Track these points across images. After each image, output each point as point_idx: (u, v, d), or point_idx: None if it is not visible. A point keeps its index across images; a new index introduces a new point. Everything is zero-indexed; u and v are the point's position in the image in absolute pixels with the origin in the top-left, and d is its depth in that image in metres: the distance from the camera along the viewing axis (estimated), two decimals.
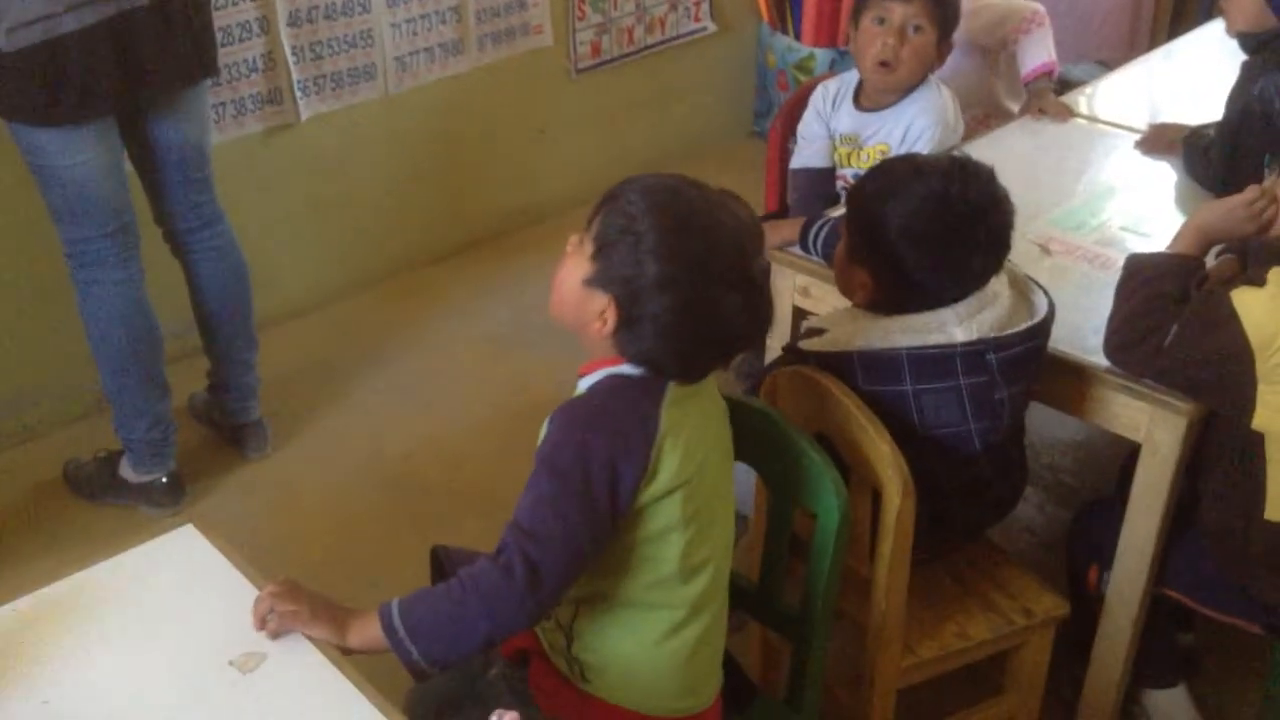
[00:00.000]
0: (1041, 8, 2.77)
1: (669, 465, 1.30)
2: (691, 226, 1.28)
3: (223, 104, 2.83)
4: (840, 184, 2.47)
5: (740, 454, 1.47)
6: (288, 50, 2.90)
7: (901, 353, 1.59)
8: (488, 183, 3.55)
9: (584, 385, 1.37)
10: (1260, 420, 1.60)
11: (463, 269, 3.46)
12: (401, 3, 3.09)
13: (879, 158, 2.36)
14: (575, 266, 1.32)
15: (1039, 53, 2.71)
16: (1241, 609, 1.77)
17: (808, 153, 2.49)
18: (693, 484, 1.33)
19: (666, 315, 1.27)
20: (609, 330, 1.30)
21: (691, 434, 1.33)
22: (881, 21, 2.29)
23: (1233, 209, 1.74)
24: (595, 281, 1.29)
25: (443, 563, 1.56)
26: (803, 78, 3.93)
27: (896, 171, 1.70)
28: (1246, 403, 1.60)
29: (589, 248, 1.30)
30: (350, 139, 3.14)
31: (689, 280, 1.26)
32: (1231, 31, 2.16)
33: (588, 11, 3.57)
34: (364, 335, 3.16)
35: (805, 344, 1.68)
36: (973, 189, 1.62)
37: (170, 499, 2.52)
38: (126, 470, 2.52)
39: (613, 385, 1.33)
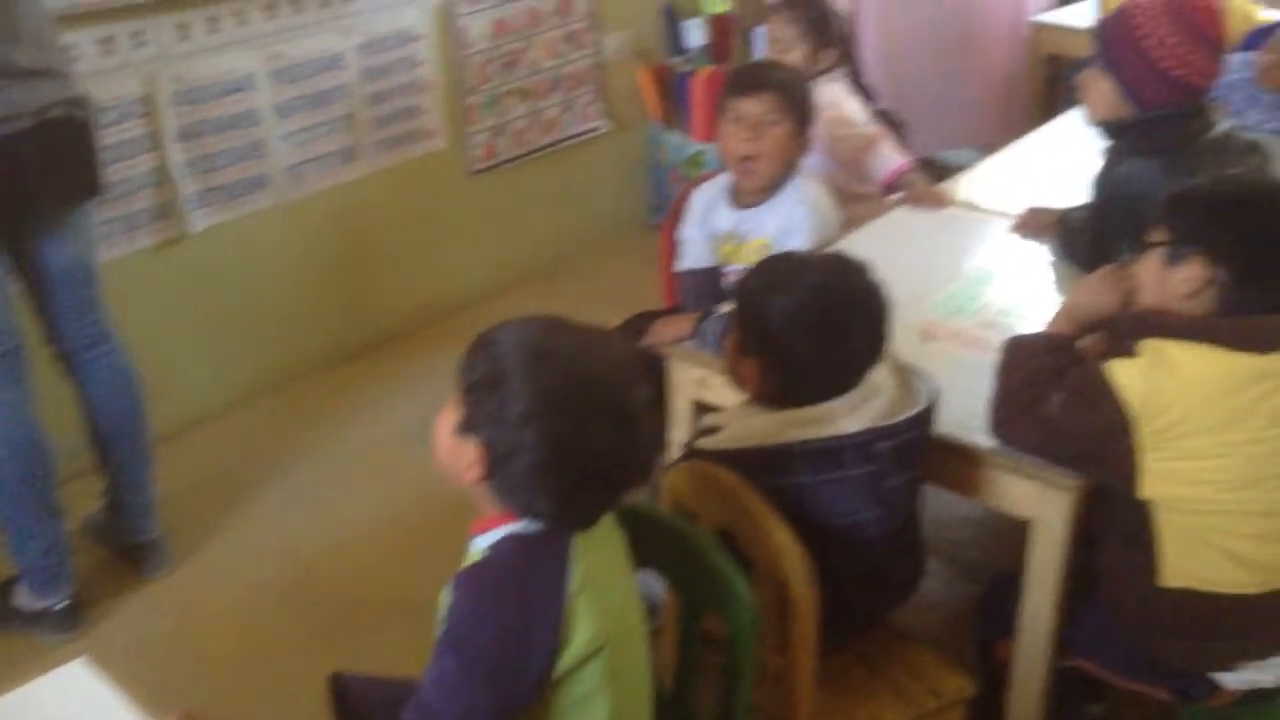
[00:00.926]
0: (879, 132, 2.87)
1: (585, 627, 1.25)
2: (557, 364, 1.25)
3: (114, 220, 2.81)
4: (727, 281, 2.51)
5: (648, 562, 1.48)
6: (178, 164, 2.90)
7: (795, 447, 1.63)
8: (388, 284, 3.56)
9: (480, 545, 1.31)
10: (1147, 489, 1.66)
11: (366, 371, 3.45)
12: (291, 114, 3.11)
13: (761, 252, 2.42)
14: (447, 415, 1.29)
15: (892, 159, 2.81)
16: (1148, 676, 1.82)
17: (690, 255, 2.56)
18: (613, 640, 1.28)
19: (535, 455, 1.22)
20: (479, 477, 1.27)
21: (605, 584, 1.29)
22: (738, 120, 2.38)
23: (1094, 287, 1.83)
24: (464, 428, 1.27)
25: (344, 692, 1.53)
26: (694, 172, 4.03)
27: (779, 267, 1.79)
28: (1131, 473, 1.66)
29: (457, 394, 1.28)
30: (245, 248, 3.13)
31: (555, 418, 1.22)
32: (1091, 121, 2.28)
33: (480, 115, 3.63)
34: (266, 443, 3.12)
35: (702, 443, 1.72)
36: (851, 281, 1.71)
37: (68, 625, 2.44)
38: (22, 597, 2.43)
39: (513, 546, 1.28)
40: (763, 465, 1.64)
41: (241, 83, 2.98)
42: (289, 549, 2.74)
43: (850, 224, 2.62)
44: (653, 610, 1.54)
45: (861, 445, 1.64)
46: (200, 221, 2.99)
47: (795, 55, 2.83)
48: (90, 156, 2.26)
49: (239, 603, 2.58)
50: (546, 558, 1.27)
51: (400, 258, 3.56)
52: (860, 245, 2.42)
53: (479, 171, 3.69)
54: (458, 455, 1.28)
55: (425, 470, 2.76)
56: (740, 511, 1.61)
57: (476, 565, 1.30)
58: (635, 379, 1.29)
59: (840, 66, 2.91)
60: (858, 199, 2.82)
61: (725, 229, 2.50)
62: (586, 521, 1.30)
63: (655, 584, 1.67)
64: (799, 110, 2.40)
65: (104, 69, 2.70)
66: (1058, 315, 1.86)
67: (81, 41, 2.64)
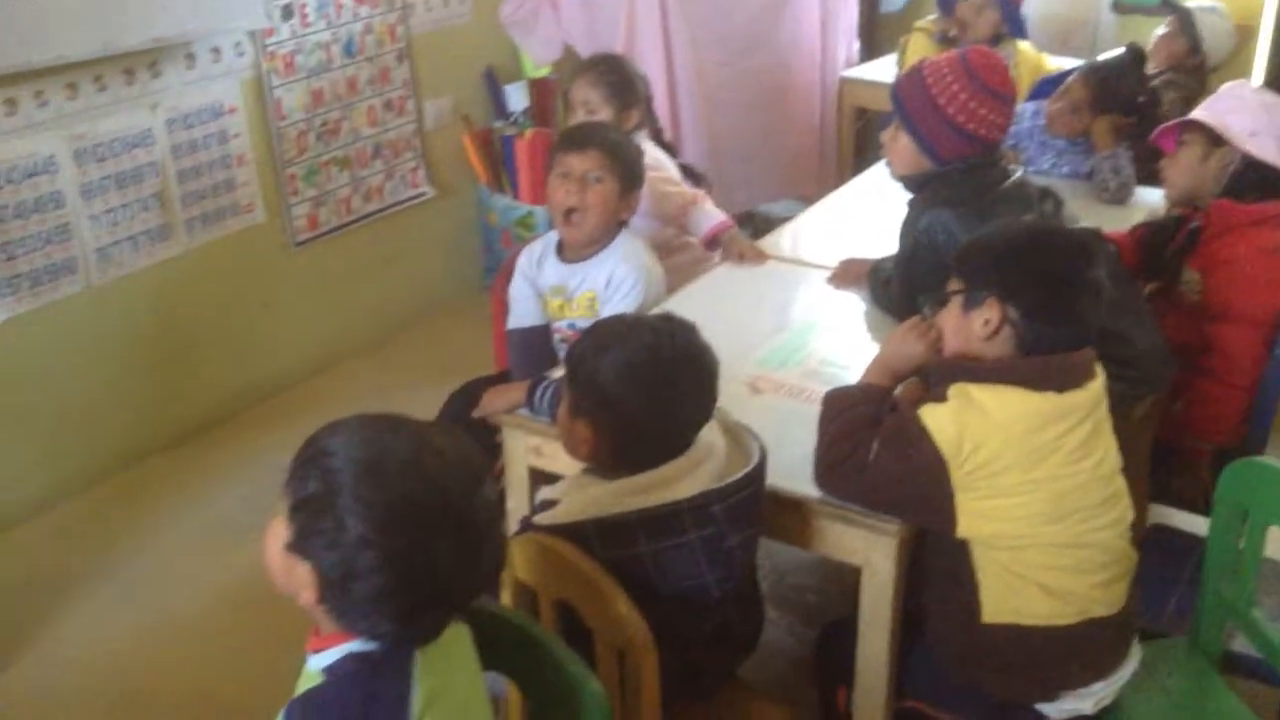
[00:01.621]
0: (699, 193, 2.95)
1: None
2: (393, 479, 1.18)
3: None
4: (557, 336, 2.56)
5: (492, 663, 1.45)
6: None
7: (632, 516, 1.64)
8: (211, 364, 3.44)
9: (316, 666, 1.25)
10: (963, 529, 1.73)
11: (191, 456, 3.32)
12: (99, 194, 3.00)
13: (588, 305, 2.49)
14: (275, 530, 1.22)
15: (713, 216, 2.89)
16: (980, 712, 1.88)
17: (519, 312, 2.58)
18: None
19: (375, 580, 1.16)
20: (314, 600, 1.21)
21: (452, 698, 1.25)
22: (565, 175, 2.44)
23: (902, 338, 1.91)
24: (294, 547, 1.20)
25: None
26: (524, 234, 4.05)
27: (609, 329, 1.81)
28: (948, 514, 1.73)
29: (284, 508, 1.22)
30: (54, 338, 2.99)
31: (394, 539, 1.16)
32: (894, 175, 2.39)
33: (300, 186, 3.57)
34: (86, 541, 2.96)
35: (540, 518, 1.71)
36: (680, 340, 1.74)
37: None
38: None
39: (352, 668, 1.21)
40: (601, 536, 1.64)
41: (43, 165, 2.86)
42: (117, 651, 2.60)
43: (675, 273, 2.68)
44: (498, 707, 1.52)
45: (699, 509, 1.66)
46: (2, 312, 2.84)
47: (600, 118, 2.88)
48: None
49: (61, 713, 2.43)
50: (388, 678, 1.21)
51: (223, 337, 3.46)
52: (686, 303, 2.50)
53: (302, 243, 3.62)
54: (289, 575, 1.21)
55: (258, 557, 2.67)
56: (580, 583, 1.61)
57: (313, 692, 1.23)
58: (478, 481, 1.24)
59: (643, 127, 2.97)
60: (682, 248, 2.89)
61: (553, 284, 2.53)
62: (430, 636, 1.25)
63: (501, 684, 1.65)
64: (625, 169, 2.46)
65: None
66: (871, 366, 1.93)
67: None
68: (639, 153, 2.54)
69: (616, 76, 2.93)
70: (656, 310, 2.38)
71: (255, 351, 3.55)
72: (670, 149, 3.08)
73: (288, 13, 3.39)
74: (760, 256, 2.78)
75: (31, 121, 2.82)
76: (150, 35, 2.95)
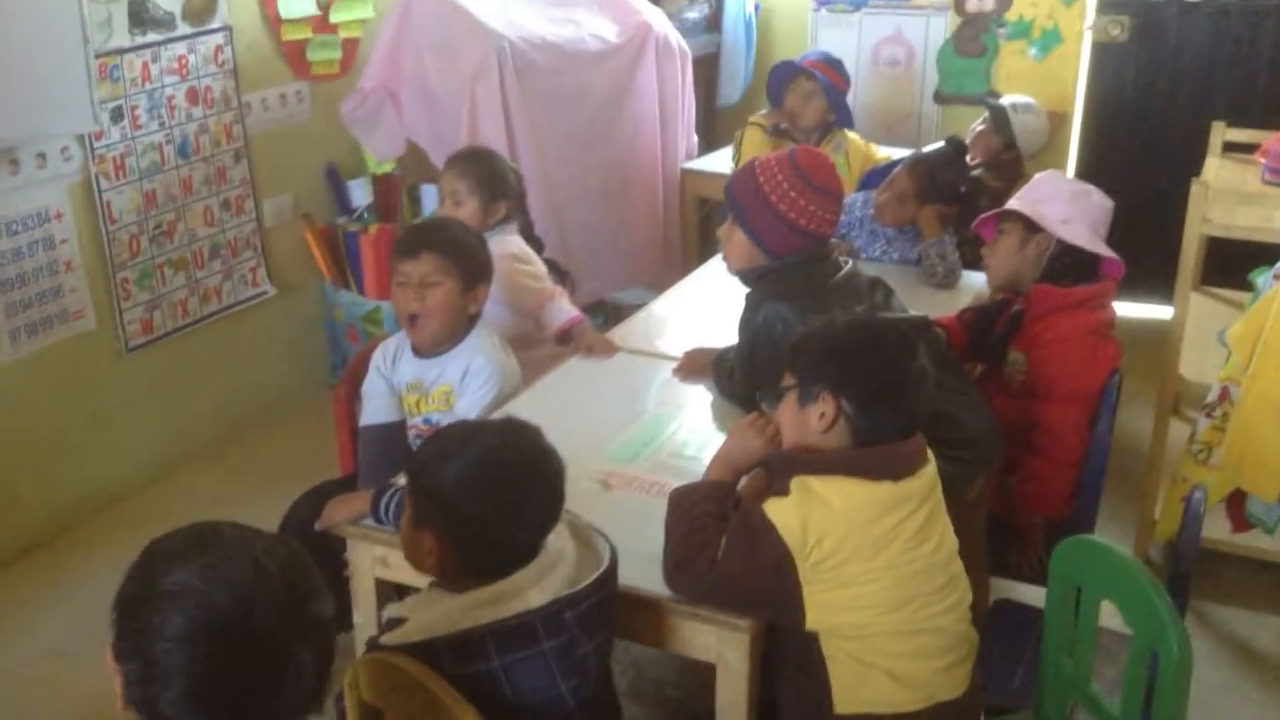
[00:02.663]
0: (556, 289, 2.98)
1: None
2: (194, 595, 1.17)
3: None
4: (413, 433, 2.53)
5: None
6: None
7: (483, 630, 1.61)
8: (38, 480, 3.27)
9: None
10: (812, 621, 1.76)
11: (18, 578, 3.13)
12: None
13: (444, 399, 2.48)
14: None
15: (566, 312, 2.92)
16: None
17: (373, 408, 2.54)
18: None
19: (172, 693, 1.15)
20: (122, 707, 1.19)
21: None
22: (403, 281, 2.44)
23: (742, 434, 1.95)
24: (113, 650, 1.20)
25: None
26: (371, 329, 4.00)
27: (451, 435, 1.80)
28: (797, 607, 1.75)
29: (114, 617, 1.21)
30: None
31: (191, 655, 1.15)
32: (731, 270, 2.46)
33: (133, 290, 3.46)
34: None
35: (387, 638, 1.66)
36: (523, 444, 1.74)
37: None
38: None
39: None
40: (450, 652, 1.61)
41: None
42: None
43: (531, 366, 2.68)
44: None
45: (550, 617, 1.64)
46: None
47: (468, 209, 2.90)
48: None
49: None
50: None
51: (52, 450, 3.30)
52: (538, 398, 2.51)
53: (135, 349, 3.50)
54: (112, 679, 1.21)
55: (95, 684, 2.53)
56: (428, 703, 1.57)
57: None
58: (297, 600, 1.22)
59: (512, 219, 2.99)
60: (540, 343, 2.90)
61: (409, 379, 2.52)
62: None
63: None
64: (464, 268, 2.46)
65: None
66: (714, 462, 1.96)
67: None
68: (479, 247, 2.54)
69: (485, 168, 2.96)
70: (510, 404, 2.42)
71: (86, 464, 3.40)
72: (539, 244, 3.10)
73: (118, 115, 3.31)
74: (610, 349, 2.80)
75: None
76: None
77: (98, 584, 2.99)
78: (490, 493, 1.68)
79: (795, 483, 1.78)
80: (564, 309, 2.92)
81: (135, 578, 1.22)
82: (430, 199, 4.10)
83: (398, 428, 2.53)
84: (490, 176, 2.95)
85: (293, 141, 3.95)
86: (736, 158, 4.06)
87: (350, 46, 4.06)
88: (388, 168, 4.15)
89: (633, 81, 4.25)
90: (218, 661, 1.16)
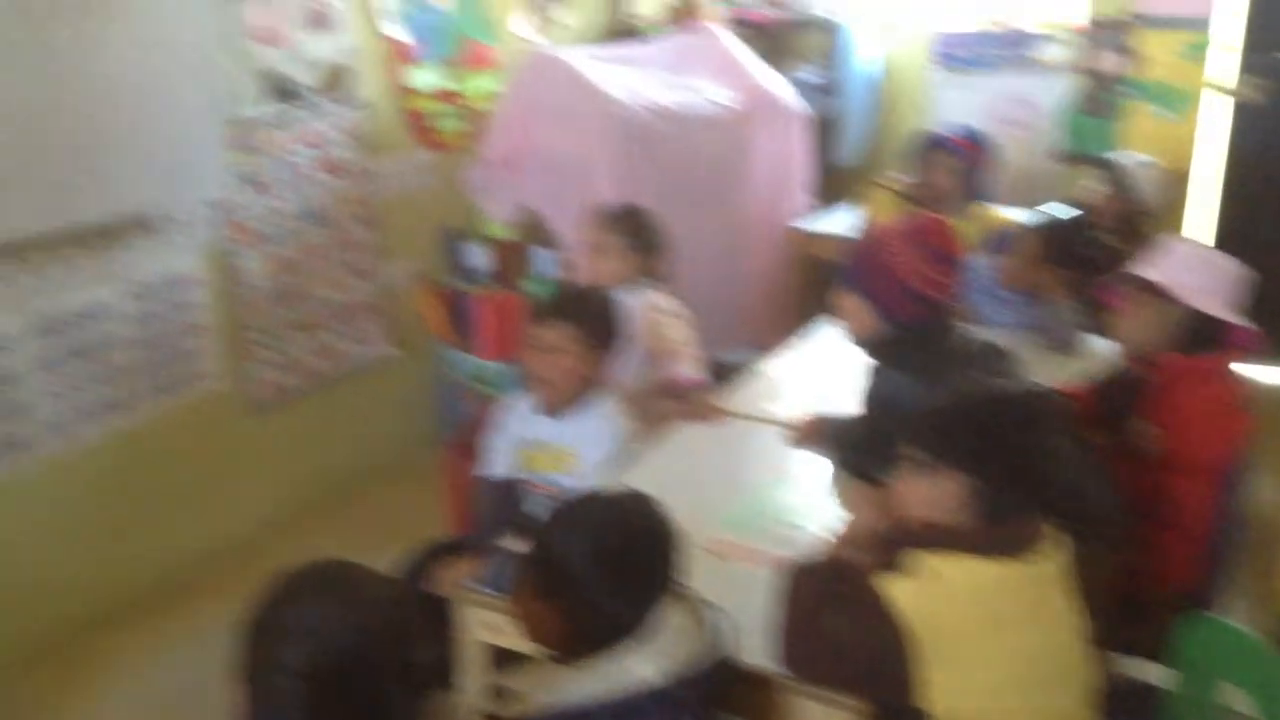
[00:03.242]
0: (688, 349, 3.00)
1: None
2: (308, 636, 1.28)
3: None
4: (530, 491, 2.57)
5: None
6: None
7: (595, 706, 1.60)
8: (164, 532, 3.38)
9: None
10: (928, 703, 1.69)
11: (140, 629, 3.22)
12: (57, 368, 2.98)
13: (562, 460, 2.54)
14: None
15: (689, 373, 2.94)
16: None
17: (492, 462, 2.63)
18: None
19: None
20: None
21: None
22: (534, 345, 2.55)
23: (860, 507, 1.91)
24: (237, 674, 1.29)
25: None
26: (484, 389, 4.05)
27: (575, 508, 1.79)
28: (911, 687, 1.69)
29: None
30: (4, 513, 2.93)
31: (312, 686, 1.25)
32: (851, 339, 2.42)
33: (261, 351, 3.57)
34: (28, 716, 2.84)
35: (504, 710, 1.66)
36: (647, 516, 1.74)
37: None
38: None
39: None
40: None
41: (1, 340, 2.85)
42: None
43: (649, 420, 2.70)
44: None
45: (664, 693, 1.62)
46: None
47: (614, 263, 2.97)
48: None
49: None
50: None
51: (179, 505, 3.40)
52: (648, 464, 2.50)
53: (261, 408, 3.60)
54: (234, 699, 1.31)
55: None
56: None
57: None
58: (399, 646, 1.30)
59: (658, 275, 3.06)
60: (663, 399, 2.91)
61: (531, 436, 2.59)
62: None
63: None
64: (593, 338, 2.55)
65: None
66: (833, 538, 1.91)
67: None
68: (611, 316, 2.62)
69: (635, 224, 3.04)
70: (623, 469, 2.43)
71: (211, 519, 3.50)
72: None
73: (250, 182, 3.43)
74: (720, 415, 2.79)
75: None
76: (110, 209, 2.98)
77: (213, 636, 3.07)
78: (612, 570, 1.68)
79: (913, 559, 1.73)
80: (689, 369, 2.94)
81: (263, 608, 1.31)
82: (546, 263, 4.16)
83: (515, 483, 2.59)
84: (639, 232, 3.03)
85: (416, 207, 4.06)
86: (861, 221, 4.02)
87: (476, 117, 4.16)
88: (505, 232, 4.22)
89: (748, 144, 4.27)
90: (327, 697, 1.24)
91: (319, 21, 3.53)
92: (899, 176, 4.00)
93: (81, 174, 2.87)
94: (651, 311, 2.92)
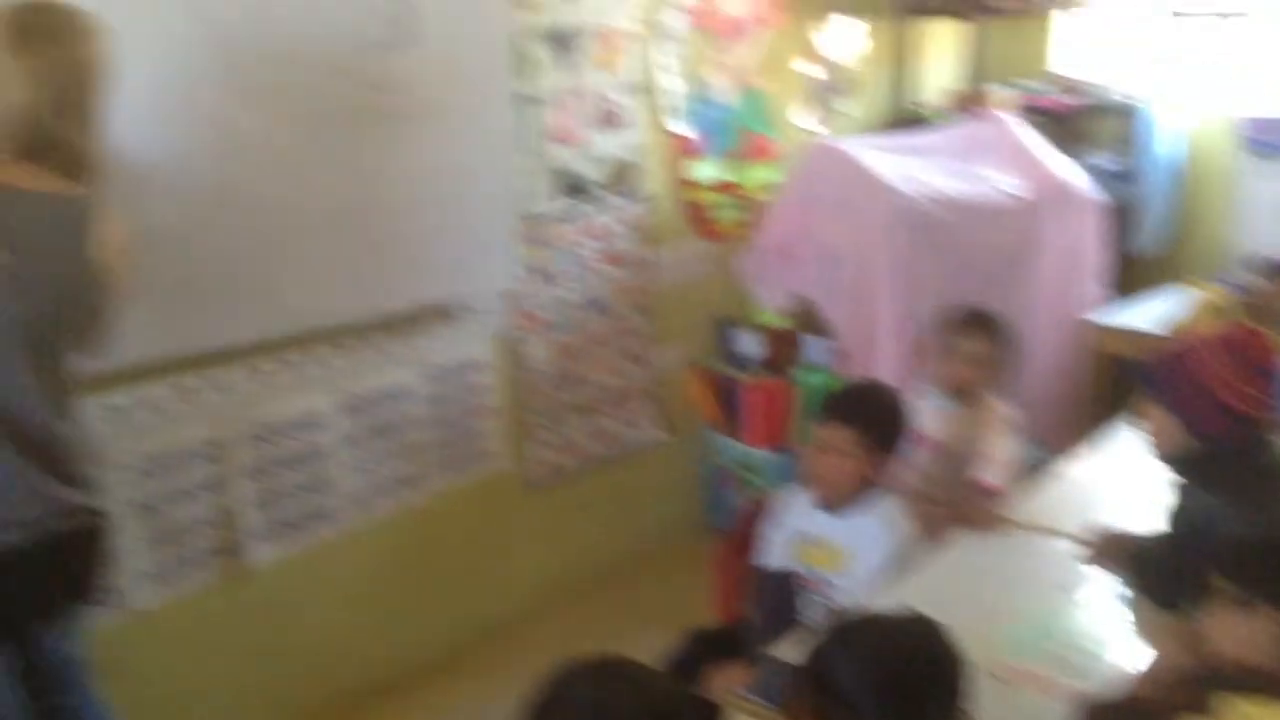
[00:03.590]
0: (1003, 455, 2.93)
1: None
2: None
3: (180, 560, 2.85)
4: (803, 586, 2.55)
5: None
6: (243, 502, 2.96)
7: None
8: (444, 604, 3.53)
9: None
10: None
11: (418, 698, 3.36)
12: (358, 445, 3.19)
13: (836, 559, 2.50)
14: None
15: (993, 475, 2.86)
16: None
17: (769, 552, 2.62)
18: None
19: None
20: None
21: None
22: (816, 443, 2.55)
23: (1165, 640, 1.77)
24: None
25: None
26: (751, 478, 4.04)
27: (858, 632, 1.71)
28: None
29: None
30: (307, 579, 3.15)
31: None
32: (1156, 456, 2.25)
33: (541, 433, 3.71)
34: None
35: None
36: (930, 642, 1.66)
37: None
38: None
39: None
40: None
41: (311, 419, 3.08)
42: None
43: (931, 527, 2.62)
44: None
45: None
46: (263, 557, 3.02)
47: (987, 372, 2.99)
48: (86, 571, 2.22)
49: None
50: None
51: (457, 580, 3.56)
52: (927, 576, 2.41)
53: (538, 487, 3.73)
54: None
55: None
56: None
57: None
58: None
59: (1004, 382, 3.07)
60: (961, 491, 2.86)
61: (806, 531, 2.58)
62: None
63: None
64: (874, 442, 2.52)
65: (180, 415, 2.80)
66: (1133, 673, 1.77)
67: (158, 392, 2.75)
68: (898, 419, 2.59)
69: (1006, 335, 3.06)
70: (899, 580, 2.36)
71: (487, 593, 3.64)
72: None
73: (539, 273, 3.59)
74: (1004, 526, 2.66)
75: (305, 379, 3.05)
76: (414, 299, 3.19)
77: (495, 707, 3.16)
78: (894, 698, 1.61)
79: (1225, 703, 1.57)
80: (995, 475, 2.86)
81: (548, 689, 1.37)
82: (818, 352, 4.14)
83: (790, 576, 2.57)
84: (996, 338, 3.04)
85: (692, 295, 4.13)
86: (1170, 323, 3.78)
87: (754, 207, 4.21)
88: (778, 320, 4.22)
89: (1038, 234, 4.11)
90: None
91: (610, 120, 3.68)
92: (1229, 283, 3.74)
93: (391, 267, 3.09)
94: (998, 415, 2.92)
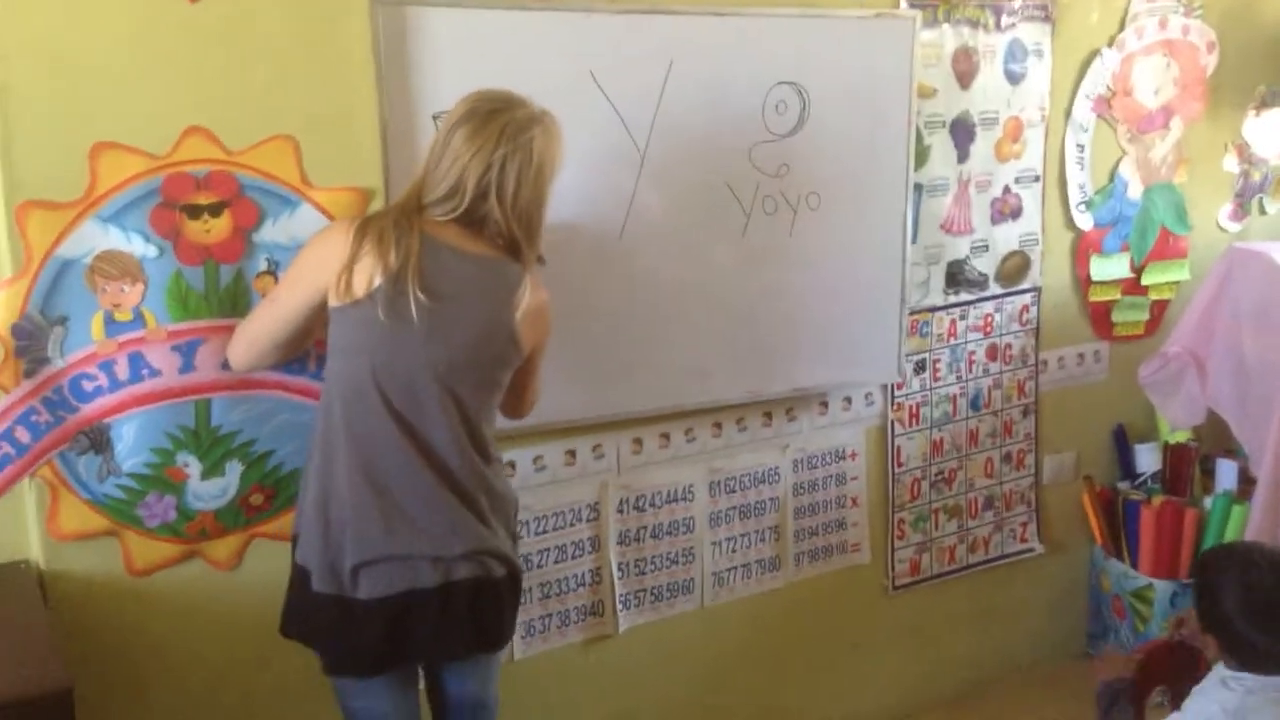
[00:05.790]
0: None
1: None
2: None
3: (549, 615, 2.97)
4: None
5: None
6: (614, 566, 3.04)
7: None
8: (796, 695, 3.46)
9: None
10: None
11: None
12: (724, 522, 3.21)
13: None
14: None
15: None
16: None
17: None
18: None
19: None
20: None
21: None
22: None
23: None
24: None
25: None
26: (1141, 607, 3.70)
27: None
28: None
29: None
30: (663, 649, 3.18)
31: None
32: None
33: (908, 531, 3.57)
34: None
35: None
36: None
37: None
38: None
39: None
40: None
41: (682, 493, 3.13)
42: None
43: None
44: None
45: None
46: (626, 621, 3.09)
47: None
48: (494, 620, 2.29)
49: None
50: None
51: (810, 671, 3.47)
52: None
53: (900, 588, 3.59)
54: None
55: None
56: None
57: None
58: None
59: None
60: None
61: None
62: None
63: None
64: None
65: (564, 478, 2.94)
66: None
67: (547, 453, 2.91)
68: None
69: None
70: None
71: (842, 690, 3.53)
72: None
73: (920, 367, 3.49)
74: None
75: (679, 454, 3.11)
76: (791, 386, 3.18)
77: None
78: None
79: None
80: None
81: None
82: (1228, 476, 3.75)
83: None
84: None
85: (1083, 400, 3.86)
86: None
87: (1158, 308, 3.90)
88: (1182, 436, 3.86)
89: None
90: None
91: (1007, 212, 3.53)
92: None
93: (775, 351, 3.10)
94: None
